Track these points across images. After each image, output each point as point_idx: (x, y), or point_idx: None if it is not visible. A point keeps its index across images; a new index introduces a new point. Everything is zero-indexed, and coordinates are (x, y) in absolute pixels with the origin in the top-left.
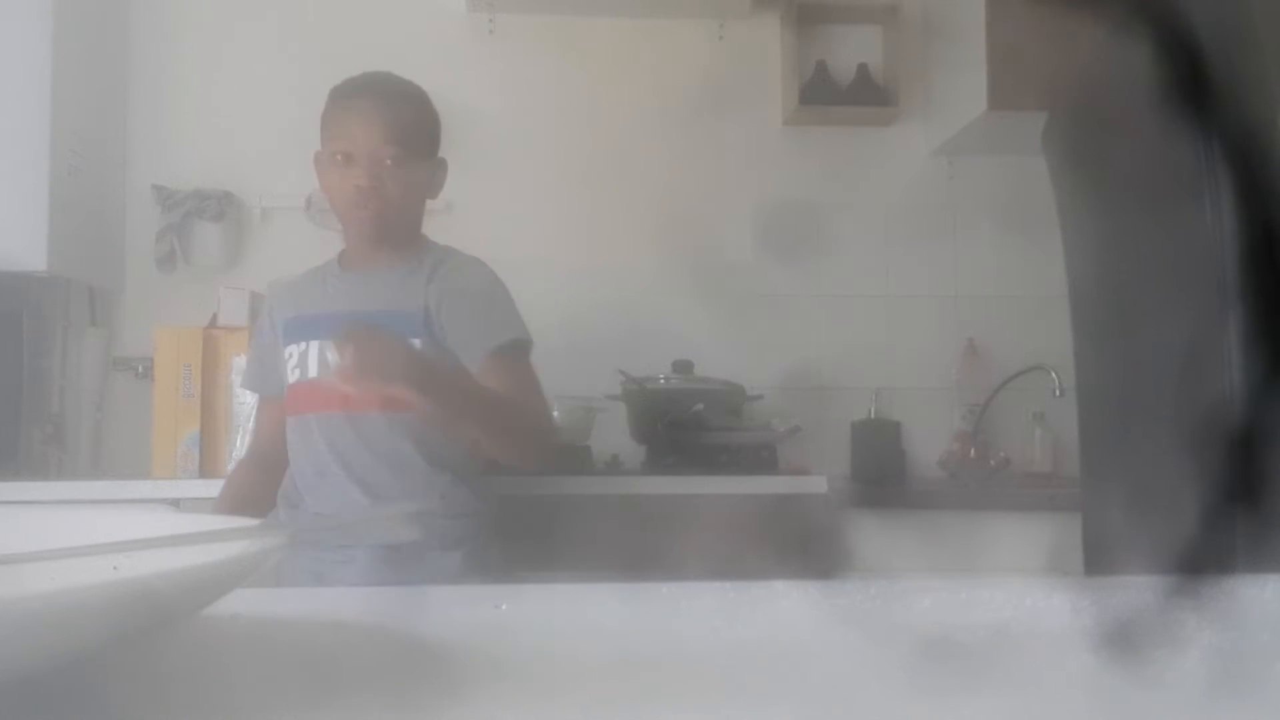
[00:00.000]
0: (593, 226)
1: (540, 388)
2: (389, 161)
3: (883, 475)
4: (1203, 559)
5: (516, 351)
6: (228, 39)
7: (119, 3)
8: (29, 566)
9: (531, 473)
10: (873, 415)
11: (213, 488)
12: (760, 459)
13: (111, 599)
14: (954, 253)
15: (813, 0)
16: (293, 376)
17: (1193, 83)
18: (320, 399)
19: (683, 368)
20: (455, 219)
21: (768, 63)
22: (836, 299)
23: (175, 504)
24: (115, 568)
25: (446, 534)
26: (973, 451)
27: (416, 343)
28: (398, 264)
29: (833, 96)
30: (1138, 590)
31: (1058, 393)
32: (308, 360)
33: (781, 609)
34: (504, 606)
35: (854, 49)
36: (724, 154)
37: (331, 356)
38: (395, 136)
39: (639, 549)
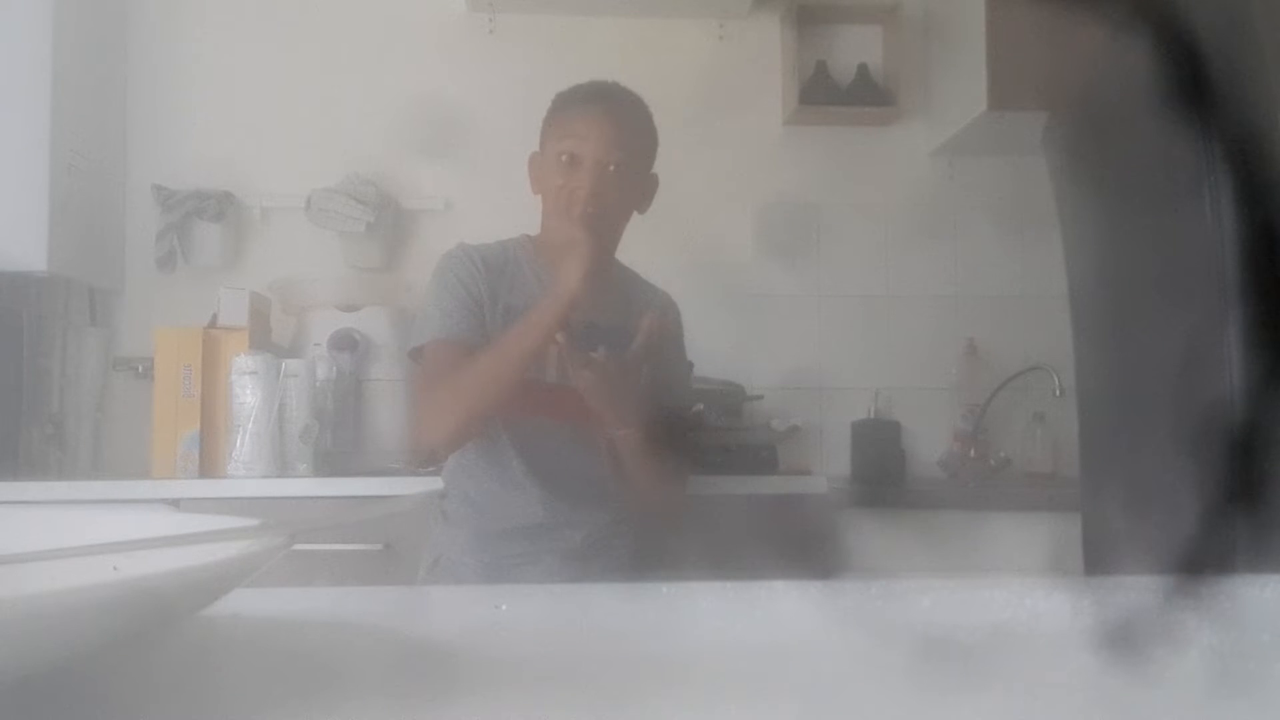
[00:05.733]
0: None
1: None
2: (612, 168)
3: (883, 475)
4: (1203, 559)
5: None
6: (227, 39)
7: (119, 3)
8: (29, 566)
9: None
10: (873, 415)
11: (213, 488)
12: (760, 459)
13: (111, 599)
14: (954, 253)
15: (813, 0)
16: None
17: (1193, 83)
18: (554, 405)
19: None
20: (456, 218)
21: (768, 63)
22: (836, 299)
23: (175, 504)
24: (115, 568)
25: (616, 533)
26: (973, 451)
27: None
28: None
29: (833, 96)
30: (1138, 590)
31: (1058, 393)
32: (544, 362)
33: (781, 609)
34: (504, 606)
35: (854, 49)
36: (724, 154)
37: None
38: (621, 143)
39: (639, 549)
